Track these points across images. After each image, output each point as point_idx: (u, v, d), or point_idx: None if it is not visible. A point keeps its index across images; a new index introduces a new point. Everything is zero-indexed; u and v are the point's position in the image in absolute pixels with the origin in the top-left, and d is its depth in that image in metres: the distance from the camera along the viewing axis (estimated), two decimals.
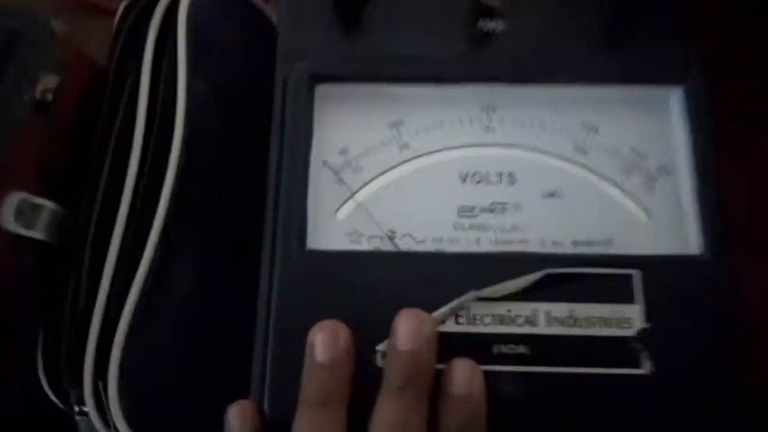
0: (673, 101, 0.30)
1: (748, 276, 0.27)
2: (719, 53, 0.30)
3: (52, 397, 0.30)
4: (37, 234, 0.28)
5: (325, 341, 0.25)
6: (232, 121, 0.34)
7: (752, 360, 0.26)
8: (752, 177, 0.35)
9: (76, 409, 0.29)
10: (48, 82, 0.28)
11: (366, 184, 0.30)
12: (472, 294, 0.26)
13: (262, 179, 0.29)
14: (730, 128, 0.29)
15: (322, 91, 0.30)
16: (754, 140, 0.35)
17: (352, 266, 0.27)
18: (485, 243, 0.29)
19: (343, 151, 0.30)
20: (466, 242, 0.29)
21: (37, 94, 0.28)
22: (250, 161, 0.31)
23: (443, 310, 0.26)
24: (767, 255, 0.33)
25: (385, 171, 0.30)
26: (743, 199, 0.31)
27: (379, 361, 0.26)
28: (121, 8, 0.36)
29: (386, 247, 0.29)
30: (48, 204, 0.29)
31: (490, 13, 0.31)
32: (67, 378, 0.28)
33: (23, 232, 0.28)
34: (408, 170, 0.30)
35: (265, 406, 0.26)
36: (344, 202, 0.29)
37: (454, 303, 0.26)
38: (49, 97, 0.28)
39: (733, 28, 0.37)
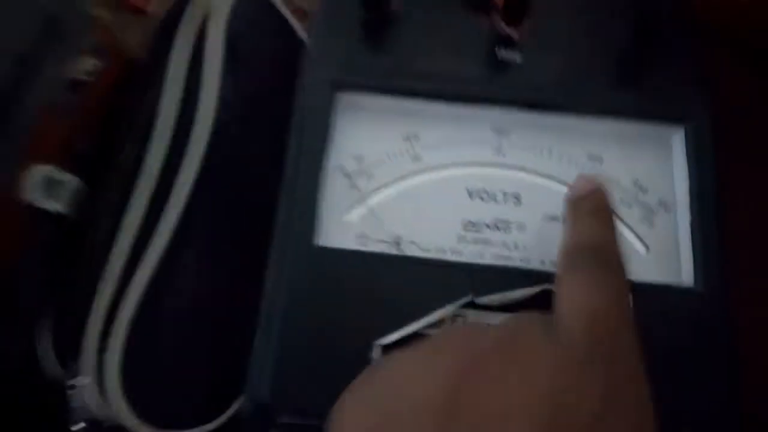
0: (675, 140, 0.32)
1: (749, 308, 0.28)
2: (722, 98, 0.32)
3: (49, 370, 0.31)
4: (58, 206, 0.29)
5: None
6: (252, 122, 0.36)
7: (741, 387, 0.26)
8: (752, 215, 0.36)
9: (72, 382, 0.29)
10: (86, 63, 0.29)
11: (377, 190, 0.31)
12: (469, 298, 0.27)
13: (277, 180, 0.30)
14: (732, 168, 0.31)
15: (343, 99, 0.32)
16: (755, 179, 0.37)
17: (359, 265, 0.28)
18: (487, 258, 0.30)
19: (358, 158, 0.31)
20: (469, 255, 0.30)
21: (75, 74, 0.29)
22: (268, 161, 0.32)
23: (441, 311, 0.27)
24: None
25: (397, 180, 0.31)
26: (744, 235, 0.31)
27: (374, 355, 0.27)
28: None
29: (392, 252, 0.30)
30: (71, 179, 0.30)
31: (509, 43, 0.33)
32: (70, 347, 0.29)
33: (45, 204, 0.29)
34: (418, 181, 0.31)
35: (267, 391, 0.27)
36: (355, 205, 0.30)
37: (451, 307, 0.27)
38: (85, 78, 0.29)
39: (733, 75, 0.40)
